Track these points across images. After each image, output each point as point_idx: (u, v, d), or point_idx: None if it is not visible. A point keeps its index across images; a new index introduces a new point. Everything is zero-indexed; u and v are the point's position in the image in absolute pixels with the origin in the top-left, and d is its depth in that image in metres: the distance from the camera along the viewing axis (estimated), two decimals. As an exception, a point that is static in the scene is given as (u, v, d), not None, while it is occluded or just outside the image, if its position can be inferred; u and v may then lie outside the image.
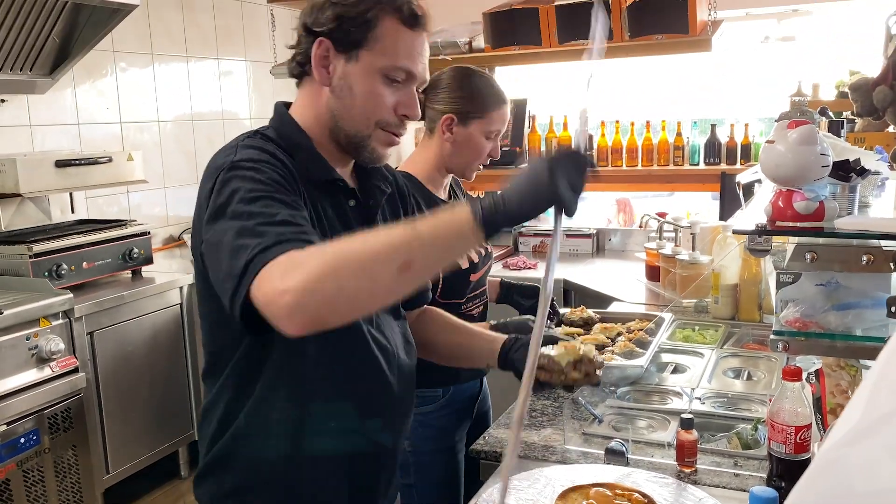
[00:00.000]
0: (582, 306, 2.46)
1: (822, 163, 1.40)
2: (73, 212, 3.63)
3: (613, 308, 2.80)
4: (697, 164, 4.47)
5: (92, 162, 3.32)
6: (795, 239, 1.50)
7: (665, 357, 2.32)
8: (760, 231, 1.43)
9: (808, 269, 1.48)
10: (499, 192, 1.07)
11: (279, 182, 1.18)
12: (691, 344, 2.43)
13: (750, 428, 1.76)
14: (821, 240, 1.44)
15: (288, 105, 1.39)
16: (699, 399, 1.95)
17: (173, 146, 4.20)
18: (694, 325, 2.59)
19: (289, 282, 0.99)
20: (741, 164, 4.30)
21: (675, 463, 1.60)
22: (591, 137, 1.57)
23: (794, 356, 2.16)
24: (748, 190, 3.12)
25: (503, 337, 1.53)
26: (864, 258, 1.37)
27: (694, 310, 2.78)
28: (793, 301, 1.53)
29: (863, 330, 1.44)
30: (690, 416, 1.59)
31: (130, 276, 3.61)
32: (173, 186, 4.20)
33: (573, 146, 1.06)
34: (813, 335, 1.44)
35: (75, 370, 3.06)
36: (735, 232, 1.48)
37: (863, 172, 1.48)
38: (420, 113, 1.35)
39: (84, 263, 3.29)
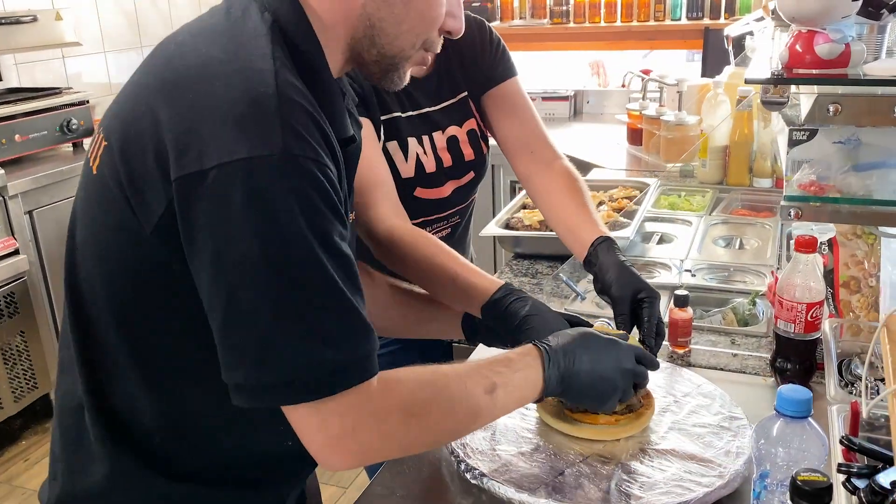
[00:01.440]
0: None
1: (852, -4, 1.18)
2: (0, 80, 3.30)
3: (594, 175, 2.61)
4: (679, 19, 4.19)
5: (13, 21, 2.97)
6: (814, 89, 1.29)
7: (650, 226, 2.15)
8: (777, 80, 1.22)
9: (827, 124, 1.28)
10: (567, 355, 1.02)
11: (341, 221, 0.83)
12: (678, 211, 2.26)
13: (747, 302, 1.61)
14: (843, 89, 1.23)
15: None
16: (689, 271, 1.80)
17: (110, 4, 3.80)
18: (680, 192, 2.41)
19: (356, 440, 0.84)
20: (725, 18, 4.04)
21: (667, 343, 1.45)
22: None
23: (791, 224, 2.01)
24: (738, 44, 2.88)
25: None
26: (897, 109, 1.18)
27: (680, 175, 2.60)
28: (807, 162, 1.34)
29: (886, 193, 1.26)
30: (685, 292, 1.43)
31: (71, 149, 3.33)
32: (114, 51, 3.84)
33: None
34: (830, 200, 1.25)
35: (15, 252, 2.84)
36: (749, 81, 1.27)
37: (896, 9, 1.26)
38: (463, 28, 1.03)
39: (16, 136, 3.00)
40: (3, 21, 2.94)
